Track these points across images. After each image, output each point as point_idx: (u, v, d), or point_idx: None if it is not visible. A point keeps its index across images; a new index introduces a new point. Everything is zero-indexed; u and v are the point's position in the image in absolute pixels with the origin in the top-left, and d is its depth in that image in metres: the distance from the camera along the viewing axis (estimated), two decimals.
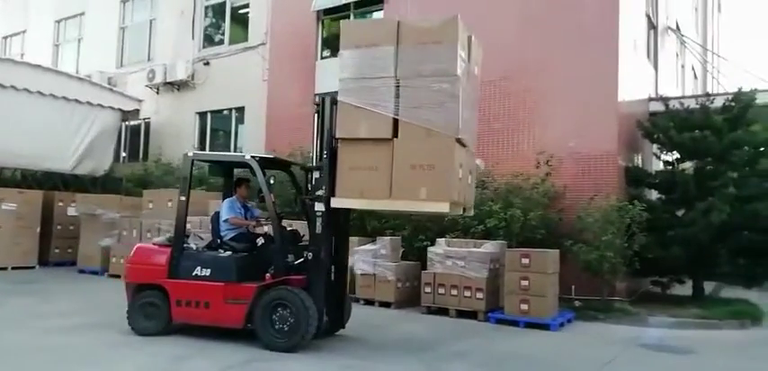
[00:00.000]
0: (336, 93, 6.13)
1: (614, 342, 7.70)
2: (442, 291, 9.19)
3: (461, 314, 8.97)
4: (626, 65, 11.39)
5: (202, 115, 17.19)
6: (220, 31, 17.61)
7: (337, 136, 6.00)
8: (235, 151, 15.80)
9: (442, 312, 9.17)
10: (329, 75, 15.43)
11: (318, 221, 6.20)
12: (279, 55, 15.60)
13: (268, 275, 6.38)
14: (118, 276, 10.26)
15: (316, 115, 6.49)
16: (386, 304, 9.58)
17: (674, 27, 17.01)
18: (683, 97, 12.76)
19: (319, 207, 6.18)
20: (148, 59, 18.14)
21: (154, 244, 7.27)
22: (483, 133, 12.39)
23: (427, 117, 5.51)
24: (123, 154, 18.46)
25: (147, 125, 18.04)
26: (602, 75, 10.84)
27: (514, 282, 8.59)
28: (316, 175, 6.35)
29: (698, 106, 11.25)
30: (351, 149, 5.86)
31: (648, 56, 14.18)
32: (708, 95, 12.16)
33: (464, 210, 6.36)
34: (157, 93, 17.55)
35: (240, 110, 16.57)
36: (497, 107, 11.86)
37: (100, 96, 15.65)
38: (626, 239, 9.47)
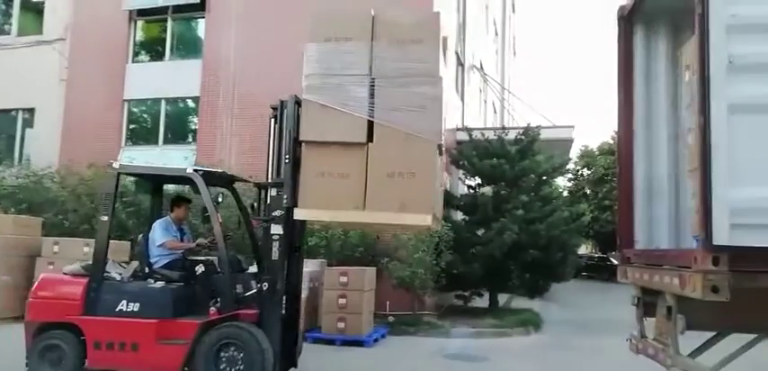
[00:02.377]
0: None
1: (421, 355, 8.21)
2: None
3: None
4: None
5: None
6: (8, 20, 15.26)
7: (302, 139, 5.17)
8: (21, 159, 13.73)
9: None
10: (142, 80, 14.45)
11: (275, 246, 5.36)
12: (81, 53, 14.03)
13: (212, 309, 5.50)
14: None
15: (273, 121, 5.63)
16: None
17: (479, 66, 19.03)
18: (485, 129, 14.28)
19: (276, 230, 5.38)
20: None
21: (64, 273, 5.92)
22: None
23: (407, 120, 4.91)
24: None
25: None
26: None
27: (333, 300, 8.73)
28: (273, 192, 5.46)
29: (496, 138, 12.71)
30: (317, 154, 5.07)
31: (457, 90, 15.62)
32: (504, 128, 13.78)
33: (436, 223, 5.76)
34: None
35: (30, 111, 14.50)
36: None
37: None
38: (435, 257, 10.23)
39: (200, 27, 14.52)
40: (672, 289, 3.95)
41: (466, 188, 13.97)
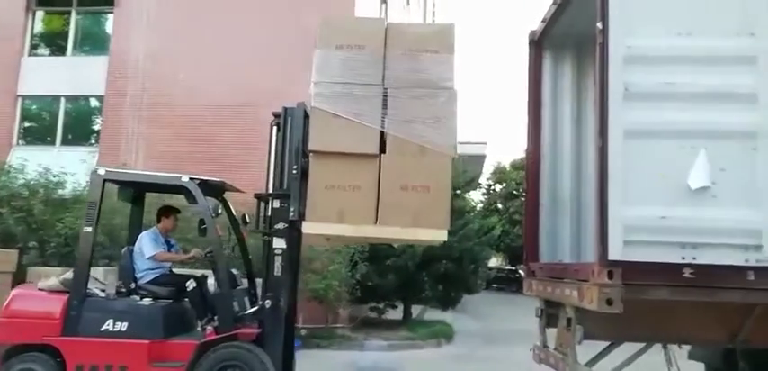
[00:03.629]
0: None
1: (335, 368, 8.14)
2: None
3: None
4: None
5: None
6: None
7: (310, 149, 4.89)
8: None
9: None
10: (40, 75, 13.43)
11: (278, 261, 5.08)
12: None
13: (209, 328, 5.11)
14: None
15: (275, 129, 5.36)
16: None
17: None
18: None
19: (278, 243, 5.09)
20: None
21: (40, 289, 5.28)
22: (220, 159, 12.24)
23: (421, 133, 4.74)
24: None
25: None
26: None
27: None
28: (275, 203, 5.16)
29: None
30: (326, 165, 4.80)
31: None
32: None
33: None
34: None
35: None
36: (235, 133, 11.73)
37: None
38: (350, 268, 10.21)
39: (109, 22, 13.73)
40: (571, 301, 4.17)
41: None
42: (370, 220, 4.71)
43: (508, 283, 30.49)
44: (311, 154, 4.85)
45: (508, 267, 34.73)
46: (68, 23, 13.85)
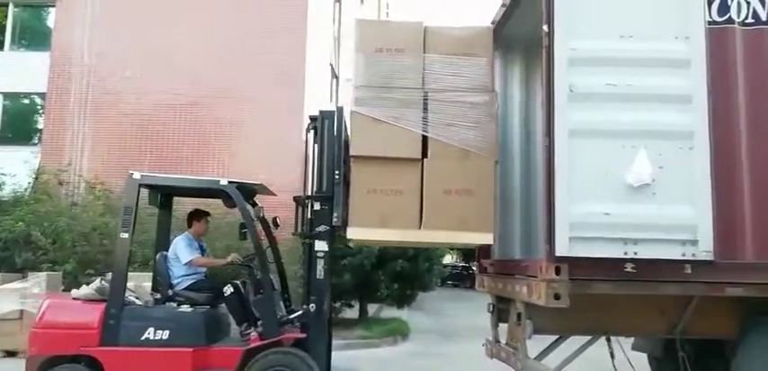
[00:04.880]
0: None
1: None
2: None
3: None
4: (310, 107, 12.35)
5: None
6: None
7: (352, 153, 4.84)
8: None
9: None
10: None
11: (321, 264, 4.98)
12: None
13: (253, 334, 4.95)
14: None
15: (313, 133, 5.26)
16: None
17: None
18: None
19: (321, 246, 5.00)
20: None
21: (74, 298, 5.04)
22: (170, 158, 11.94)
23: (463, 136, 4.70)
24: None
25: None
26: (290, 113, 11.53)
27: None
28: (316, 206, 5.08)
29: None
30: (368, 169, 4.75)
31: (331, 102, 15.71)
32: None
33: None
34: None
35: None
36: (186, 132, 11.46)
37: None
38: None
39: (50, 17, 13.17)
40: (521, 297, 4.28)
41: None
42: (414, 224, 4.70)
43: (462, 279, 30.87)
44: (352, 159, 4.82)
45: (462, 264, 35.18)
46: (6, 17, 13.20)
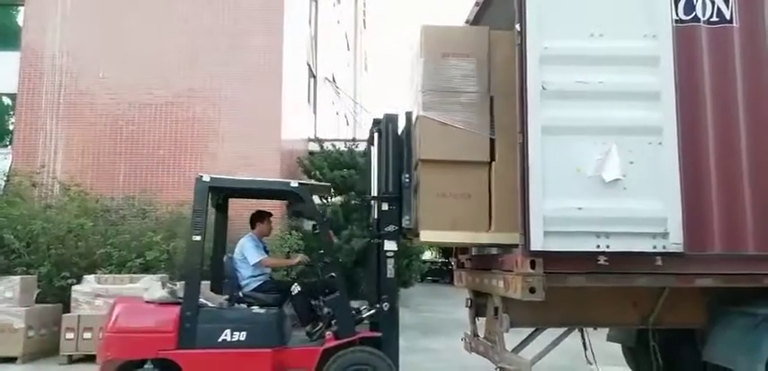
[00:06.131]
0: None
1: None
2: (88, 335, 8.08)
3: None
4: (288, 106, 12.33)
5: None
6: None
7: (421, 157, 4.83)
8: None
9: (89, 359, 8.07)
10: None
11: (390, 264, 5.03)
12: None
13: (328, 334, 4.99)
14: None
15: (377, 136, 5.28)
16: (10, 360, 7.92)
17: (331, 79, 19.29)
18: (336, 140, 14.50)
19: (390, 246, 5.03)
20: None
21: (147, 302, 5.03)
22: (146, 159, 11.80)
23: None
24: None
25: None
26: (268, 112, 11.50)
27: None
28: (384, 206, 5.09)
29: (347, 149, 12.95)
30: (436, 173, 4.76)
31: (309, 101, 15.67)
32: (355, 139, 14.12)
33: None
34: None
35: None
36: (163, 132, 11.34)
37: None
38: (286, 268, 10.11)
39: (20, 15, 12.90)
40: (498, 291, 4.36)
41: (317, 198, 14.04)
42: (483, 227, 4.72)
43: (442, 275, 31.06)
44: (421, 162, 4.86)
45: (441, 260, 35.36)
46: None
